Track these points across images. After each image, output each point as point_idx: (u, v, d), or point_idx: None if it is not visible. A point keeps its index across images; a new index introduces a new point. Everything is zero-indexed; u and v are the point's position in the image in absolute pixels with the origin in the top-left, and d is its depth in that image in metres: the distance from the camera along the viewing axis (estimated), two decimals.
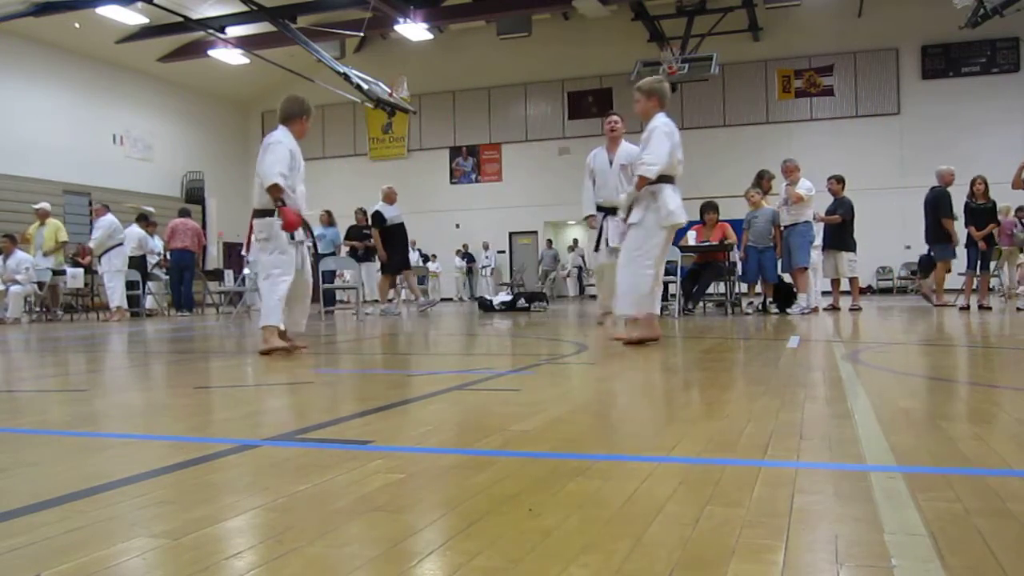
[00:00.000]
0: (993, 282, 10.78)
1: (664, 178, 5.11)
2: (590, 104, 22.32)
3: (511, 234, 23.98)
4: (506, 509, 1.49)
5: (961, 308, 9.70)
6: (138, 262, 12.90)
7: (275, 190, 5.08)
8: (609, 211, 7.15)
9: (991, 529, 1.32)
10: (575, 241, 23.27)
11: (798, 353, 4.75)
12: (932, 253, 10.22)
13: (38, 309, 12.64)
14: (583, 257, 21.82)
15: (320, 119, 25.11)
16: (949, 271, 10.20)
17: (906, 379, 3.45)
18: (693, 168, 24.86)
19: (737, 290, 10.45)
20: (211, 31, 17.02)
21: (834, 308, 10.15)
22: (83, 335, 8.31)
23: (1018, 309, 9.23)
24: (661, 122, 5.18)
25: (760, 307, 9.80)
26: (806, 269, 9.51)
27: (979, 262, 9.86)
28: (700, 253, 9.94)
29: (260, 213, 5.23)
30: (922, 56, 20.38)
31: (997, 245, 10.38)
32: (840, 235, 10.01)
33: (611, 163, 7.25)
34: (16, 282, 11.55)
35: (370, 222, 11.42)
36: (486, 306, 12.30)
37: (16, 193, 17.04)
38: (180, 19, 16.05)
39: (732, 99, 21.56)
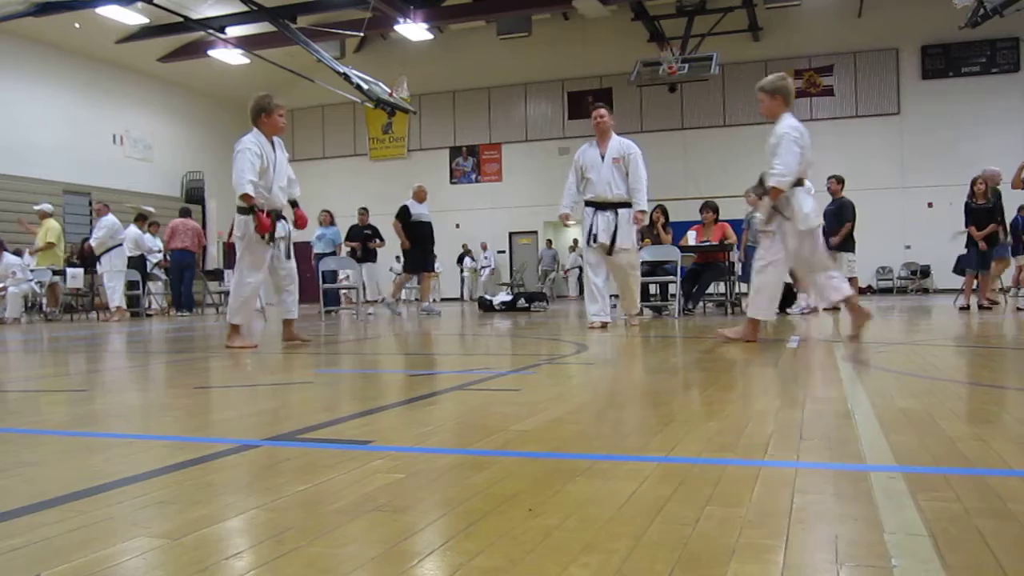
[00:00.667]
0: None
1: (795, 181, 5.09)
2: (590, 104, 22.25)
3: (511, 234, 23.99)
4: (506, 509, 1.49)
5: (961, 308, 9.70)
6: (137, 262, 12.90)
7: (246, 198, 5.46)
8: (600, 206, 7.10)
9: (991, 529, 1.32)
10: (575, 241, 23.25)
11: (798, 353, 4.75)
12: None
13: (42, 310, 12.65)
14: (583, 257, 21.81)
15: (320, 119, 25.15)
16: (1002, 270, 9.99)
17: (906, 379, 3.45)
18: (693, 168, 24.76)
19: (737, 290, 10.45)
20: (211, 31, 17.02)
21: (834, 308, 10.13)
22: (83, 335, 8.31)
23: (1018, 309, 9.23)
24: (789, 126, 5.07)
25: None
26: None
27: (979, 262, 9.84)
28: (700, 253, 9.94)
29: (239, 210, 5.64)
30: (922, 56, 20.38)
31: (998, 245, 10.33)
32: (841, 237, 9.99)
33: (603, 158, 7.19)
34: (5, 286, 11.55)
35: (396, 215, 11.45)
36: (486, 306, 12.30)
37: (16, 193, 17.03)
38: (180, 19, 16.05)
39: (732, 99, 21.56)
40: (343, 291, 13.61)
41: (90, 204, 17.65)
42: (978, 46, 19.58)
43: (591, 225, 7.11)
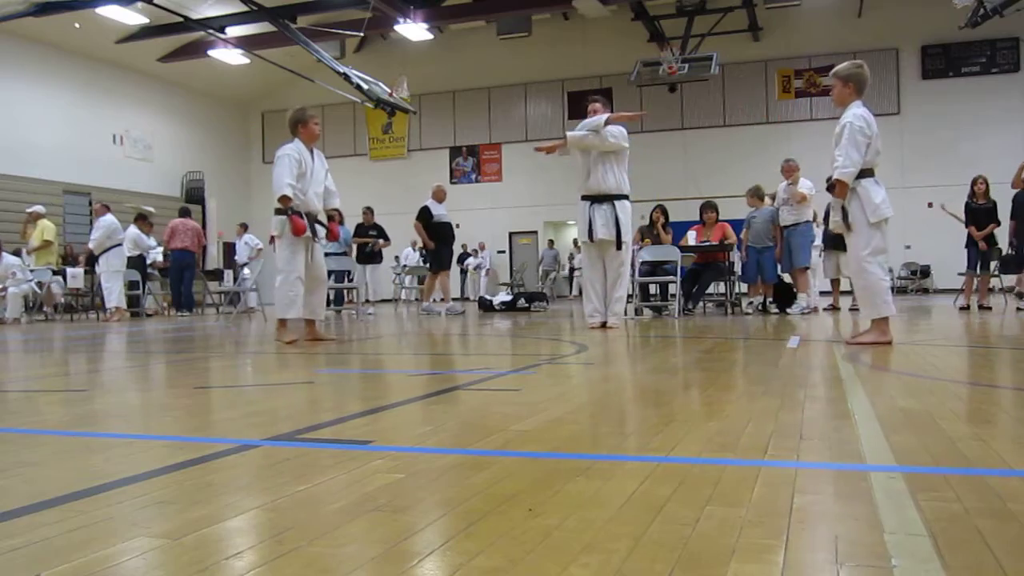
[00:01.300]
0: (993, 282, 10.77)
1: (863, 172, 4.82)
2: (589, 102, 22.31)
3: (511, 234, 23.98)
4: (506, 509, 1.49)
5: (961, 308, 9.70)
6: (136, 262, 12.90)
7: (283, 200, 5.87)
8: (596, 200, 7.03)
9: (991, 529, 1.32)
10: (575, 241, 23.27)
11: (798, 353, 4.75)
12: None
13: (42, 310, 12.65)
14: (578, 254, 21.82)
15: (320, 119, 25.10)
16: None
17: (906, 379, 3.45)
18: (693, 168, 24.73)
19: (737, 290, 10.45)
20: (211, 31, 17.01)
21: (834, 308, 10.15)
22: (82, 335, 8.31)
23: (1018, 309, 9.23)
24: (855, 115, 4.80)
25: (760, 307, 9.80)
26: (807, 269, 9.50)
27: (979, 262, 9.86)
28: (700, 253, 9.94)
29: (277, 211, 5.98)
30: (922, 56, 20.38)
31: (998, 245, 10.35)
32: (840, 235, 9.97)
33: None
34: (5, 287, 11.55)
35: (416, 216, 11.45)
36: (486, 306, 12.30)
37: (16, 193, 17.03)
38: (180, 19, 16.04)
39: (732, 99, 21.56)
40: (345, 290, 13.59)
41: (90, 204, 17.64)
42: (978, 46, 19.57)
43: (588, 220, 7.02)
